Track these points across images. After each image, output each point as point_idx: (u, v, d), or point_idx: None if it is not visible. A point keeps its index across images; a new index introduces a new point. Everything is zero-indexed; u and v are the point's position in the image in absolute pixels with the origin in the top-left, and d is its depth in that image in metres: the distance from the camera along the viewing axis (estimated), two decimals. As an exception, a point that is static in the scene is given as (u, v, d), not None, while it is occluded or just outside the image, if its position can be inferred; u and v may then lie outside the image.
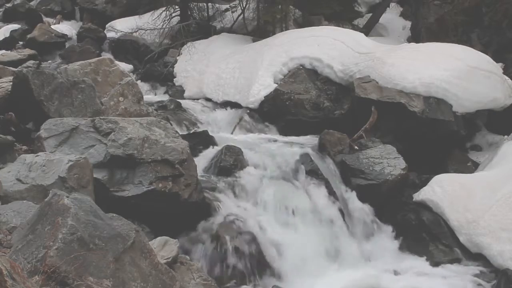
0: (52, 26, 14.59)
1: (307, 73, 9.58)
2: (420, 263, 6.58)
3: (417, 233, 6.87)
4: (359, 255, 6.66)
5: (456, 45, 9.90)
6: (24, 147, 6.09)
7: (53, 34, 13.83)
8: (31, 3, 16.44)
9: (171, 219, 5.74)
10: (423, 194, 7.07)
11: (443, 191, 6.94)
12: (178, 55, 12.24)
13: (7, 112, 6.49)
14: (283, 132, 8.98)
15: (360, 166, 7.36)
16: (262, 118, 9.36)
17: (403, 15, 16.05)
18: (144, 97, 8.17)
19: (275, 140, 8.39)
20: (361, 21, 15.09)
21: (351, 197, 7.15)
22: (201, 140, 7.66)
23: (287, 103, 9.27)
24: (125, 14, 15.20)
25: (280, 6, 12.13)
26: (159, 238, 4.82)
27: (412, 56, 9.08)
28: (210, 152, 7.41)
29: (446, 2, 13.60)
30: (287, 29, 12.22)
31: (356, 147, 7.77)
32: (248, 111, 9.44)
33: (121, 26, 13.79)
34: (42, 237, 3.31)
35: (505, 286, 5.83)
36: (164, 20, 13.16)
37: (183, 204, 5.85)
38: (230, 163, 6.99)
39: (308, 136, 8.49)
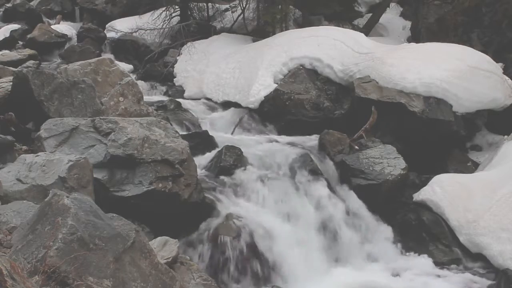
0: (52, 26, 14.57)
1: (307, 73, 9.58)
2: (420, 263, 6.58)
3: (417, 233, 6.87)
4: (359, 255, 6.66)
5: (456, 45, 9.90)
6: (24, 147, 6.08)
7: (53, 34, 13.81)
8: (31, 3, 16.41)
9: (171, 219, 5.74)
10: (423, 194, 7.07)
11: (443, 191, 6.94)
12: (178, 55, 12.23)
13: (7, 112, 6.48)
14: (283, 132, 8.97)
15: (360, 166, 7.36)
16: (262, 118, 9.35)
17: (403, 15, 16.05)
18: (144, 97, 8.16)
19: (275, 140, 8.39)
20: (361, 21, 15.09)
21: (351, 197, 7.15)
22: (201, 140, 7.66)
23: (287, 103, 9.27)
24: (125, 14, 15.19)
25: (280, 6, 12.11)
26: (159, 238, 4.82)
27: (412, 56, 9.08)
28: (210, 152, 7.41)
29: (446, 2, 13.58)
30: (287, 29, 12.21)
31: (356, 147, 7.77)
32: (248, 111, 9.44)
33: (121, 26, 13.78)
34: (42, 237, 3.31)
35: (505, 286, 5.83)
36: (164, 20, 13.15)
37: (183, 204, 5.85)
38: (230, 163, 6.99)
39: (308, 136, 8.49)
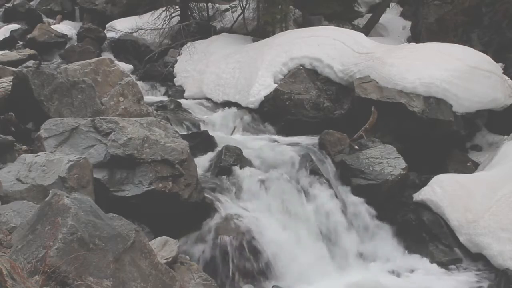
0: (52, 26, 14.57)
1: (307, 73, 9.58)
2: (420, 263, 6.58)
3: (417, 233, 6.87)
4: (359, 255, 6.66)
5: (456, 45, 9.90)
6: (24, 147, 6.09)
7: (53, 34, 13.81)
8: (31, 3, 16.41)
9: (171, 219, 5.74)
10: (423, 194, 7.07)
11: (443, 191, 6.94)
12: (178, 55, 12.23)
13: (7, 112, 6.49)
14: (283, 132, 8.98)
15: (360, 166, 7.36)
16: (262, 118, 9.35)
17: (403, 15, 16.06)
18: (144, 97, 8.17)
19: (275, 140, 8.39)
20: (361, 21, 15.09)
21: (351, 197, 7.15)
22: (201, 140, 7.65)
23: (287, 103, 9.27)
24: (125, 14, 15.18)
25: (280, 6, 12.11)
26: (159, 238, 4.82)
27: (412, 56, 9.08)
28: (210, 152, 7.41)
29: (446, 2, 13.61)
30: (287, 29, 12.21)
31: (356, 147, 7.77)
32: (248, 111, 9.43)
33: (121, 26, 13.78)
34: (42, 237, 3.31)
35: (505, 286, 5.83)
36: (164, 20, 13.15)
37: (183, 204, 5.86)
38: (230, 163, 6.99)
39: (308, 136, 8.49)
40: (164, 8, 13.35)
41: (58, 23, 15.53)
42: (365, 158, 7.47)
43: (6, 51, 12.17)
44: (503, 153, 7.65)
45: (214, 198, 6.40)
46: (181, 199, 5.83)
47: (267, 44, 10.49)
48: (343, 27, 12.07)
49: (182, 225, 5.87)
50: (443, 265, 6.49)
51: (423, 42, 10.85)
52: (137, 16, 14.02)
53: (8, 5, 15.93)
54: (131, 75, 10.01)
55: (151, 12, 13.64)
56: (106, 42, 13.98)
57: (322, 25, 12.82)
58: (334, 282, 6.09)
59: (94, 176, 5.32)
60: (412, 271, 6.42)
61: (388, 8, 15.51)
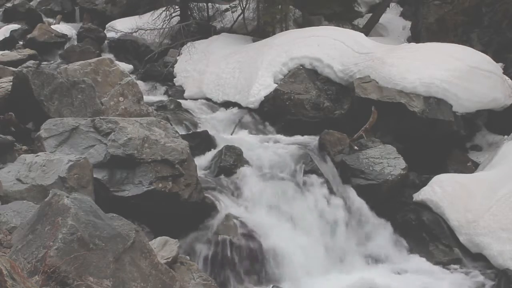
0: (52, 26, 14.57)
1: (307, 73, 9.58)
2: (420, 263, 6.58)
3: (417, 233, 6.88)
4: (359, 255, 6.66)
5: (456, 45, 9.90)
6: (24, 147, 6.09)
7: (53, 34, 13.80)
8: (31, 3, 16.42)
9: (171, 219, 5.74)
10: (423, 194, 7.08)
11: (443, 191, 6.94)
12: (178, 55, 12.23)
13: (7, 112, 6.49)
14: (283, 132, 8.97)
15: (360, 166, 7.37)
16: (262, 118, 9.35)
17: (403, 15, 16.05)
18: (144, 97, 8.17)
19: (275, 140, 8.39)
20: (361, 21, 15.07)
21: (351, 197, 7.15)
22: (201, 140, 7.66)
23: (287, 103, 9.27)
24: (125, 14, 15.19)
25: (280, 6, 12.11)
26: (159, 238, 4.83)
27: (412, 56, 9.08)
28: (210, 152, 7.41)
29: (446, 2, 13.60)
30: (287, 29, 12.21)
31: (356, 147, 7.77)
32: (248, 111, 9.44)
33: (121, 26, 13.78)
34: (42, 237, 3.31)
35: (505, 286, 5.83)
36: (164, 20, 13.15)
37: (183, 204, 5.86)
38: (230, 163, 6.99)
39: (308, 136, 8.49)
40: (164, 8, 13.35)
41: (58, 23, 15.52)
42: (365, 158, 7.48)
43: (6, 51, 12.18)
44: (503, 153, 7.65)
45: (214, 198, 6.41)
46: (181, 199, 5.83)
47: (267, 44, 10.49)
48: (343, 27, 12.06)
49: (182, 225, 5.87)
50: (443, 265, 6.50)
51: (423, 42, 10.85)
52: (137, 16, 14.03)
53: (8, 5, 15.93)
54: (131, 75, 10.01)
55: (151, 12, 13.65)
56: (106, 42, 13.98)
57: (322, 25, 12.82)
58: (334, 282, 6.10)
59: (94, 176, 5.32)
60: (412, 271, 6.42)
61: (388, 8, 15.50)
